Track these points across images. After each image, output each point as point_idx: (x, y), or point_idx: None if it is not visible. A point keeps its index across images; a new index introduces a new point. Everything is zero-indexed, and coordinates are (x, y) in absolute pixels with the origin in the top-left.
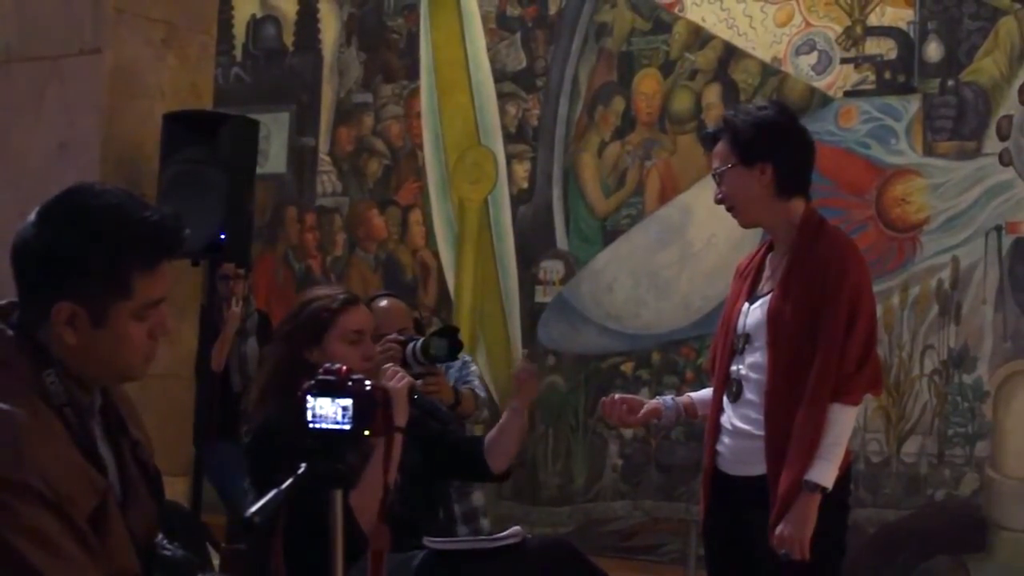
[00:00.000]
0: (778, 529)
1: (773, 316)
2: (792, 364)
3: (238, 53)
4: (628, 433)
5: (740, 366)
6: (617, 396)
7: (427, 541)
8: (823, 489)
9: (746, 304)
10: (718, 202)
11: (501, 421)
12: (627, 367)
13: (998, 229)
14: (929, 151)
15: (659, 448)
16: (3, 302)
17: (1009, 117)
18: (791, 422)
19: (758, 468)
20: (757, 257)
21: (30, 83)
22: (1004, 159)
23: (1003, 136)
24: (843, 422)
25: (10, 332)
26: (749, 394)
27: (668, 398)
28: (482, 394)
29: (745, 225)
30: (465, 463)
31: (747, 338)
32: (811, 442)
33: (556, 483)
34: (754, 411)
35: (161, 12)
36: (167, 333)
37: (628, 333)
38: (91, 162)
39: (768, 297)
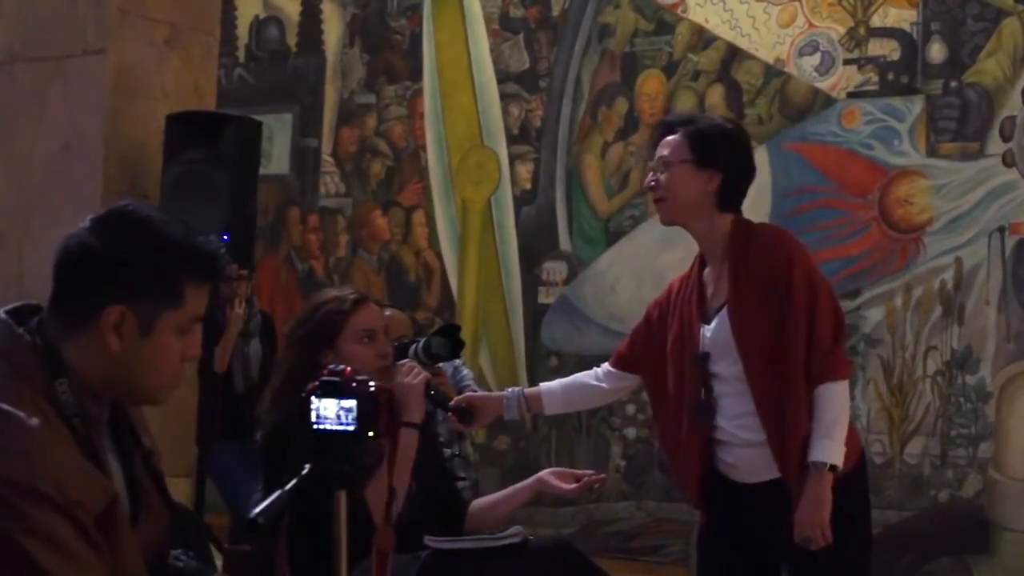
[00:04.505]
0: (796, 515)
1: (737, 326)
2: (771, 364)
3: (241, 54)
4: (631, 434)
5: (717, 384)
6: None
7: (429, 540)
8: (833, 467)
9: (702, 325)
10: (650, 189)
11: (515, 489)
12: None
13: (1001, 230)
14: (932, 152)
15: (662, 449)
16: (19, 304)
17: (1012, 118)
18: (788, 421)
19: (772, 473)
20: (692, 278)
21: (34, 84)
22: (1007, 160)
23: (1006, 137)
24: (838, 398)
25: (27, 338)
26: (743, 405)
27: (514, 390)
28: None
29: (666, 221)
30: (441, 508)
31: (716, 356)
32: (807, 428)
33: None
34: (753, 420)
35: (164, 13)
36: (196, 357)
37: None
38: (94, 163)
39: (724, 311)
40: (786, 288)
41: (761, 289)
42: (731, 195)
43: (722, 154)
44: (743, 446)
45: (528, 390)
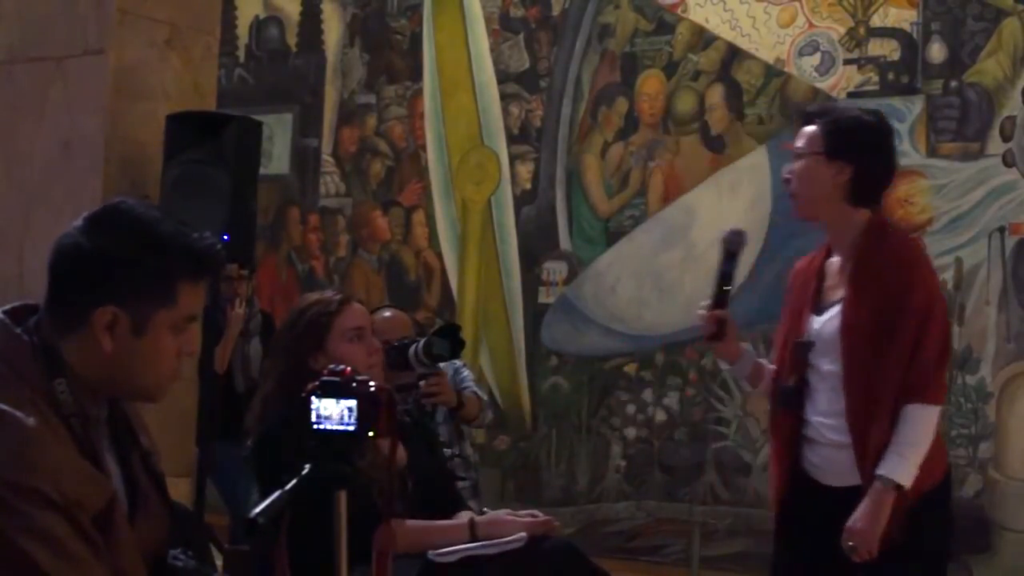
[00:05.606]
0: (848, 523)
1: (848, 326)
2: (870, 370)
3: (241, 54)
4: (631, 434)
5: (813, 376)
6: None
7: None
8: (898, 486)
9: (813, 315)
10: (786, 181)
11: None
12: (630, 368)
13: (1001, 230)
14: (932, 152)
15: (662, 449)
16: (17, 304)
17: (1012, 118)
18: (874, 429)
19: (855, 478)
20: (815, 264)
21: (33, 84)
22: (1008, 160)
23: (1006, 137)
24: (923, 420)
25: (26, 338)
26: (835, 404)
27: (751, 348)
28: (485, 397)
29: (801, 216)
30: (440, 509)
31: (821, 349)
32: (886, 444)
33: (559, 484)
34: (841, 421)
35: (164, 13)
36: (194, 353)
37: (631, 334)
38: (94, 163)
39: (839, 307)
40: (902, 301)
41: (878, 295)
42: (865, 189)
43: (855, 146)
44: (829, 446)
45: (758, 360)
